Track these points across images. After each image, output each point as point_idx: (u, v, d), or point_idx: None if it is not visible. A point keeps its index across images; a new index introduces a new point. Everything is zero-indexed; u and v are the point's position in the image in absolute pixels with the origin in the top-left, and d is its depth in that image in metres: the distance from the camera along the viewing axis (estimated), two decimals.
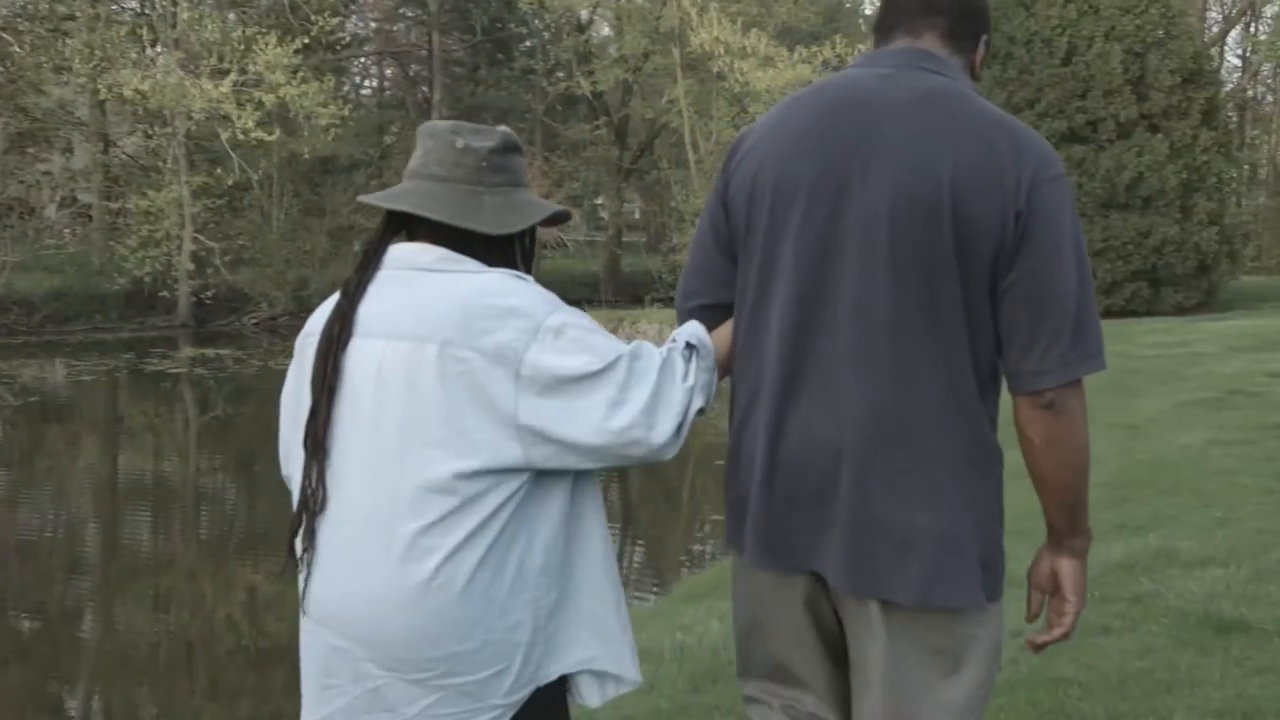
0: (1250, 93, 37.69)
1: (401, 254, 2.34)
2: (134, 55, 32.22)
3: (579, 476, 2.31)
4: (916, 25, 2.37)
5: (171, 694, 7.72)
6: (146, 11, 34.94)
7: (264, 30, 32.07)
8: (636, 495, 14.41)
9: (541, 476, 2.24)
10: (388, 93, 51.62)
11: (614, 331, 29.51)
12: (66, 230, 40.32)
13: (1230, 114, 28.96)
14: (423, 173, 2.38)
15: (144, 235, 32.02)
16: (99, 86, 31.59)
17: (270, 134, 30.55)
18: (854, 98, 2.30)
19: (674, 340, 2.37)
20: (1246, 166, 36.19)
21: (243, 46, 31.18)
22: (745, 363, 2.39)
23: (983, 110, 2.25)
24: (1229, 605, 5.17)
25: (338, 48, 38.48)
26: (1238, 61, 40.45)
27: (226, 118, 30.78)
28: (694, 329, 2.39)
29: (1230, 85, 34.30)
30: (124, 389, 22.22)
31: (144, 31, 32.58)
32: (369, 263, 2.35)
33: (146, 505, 13.55)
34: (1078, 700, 4.45)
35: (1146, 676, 4.58)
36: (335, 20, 34.47)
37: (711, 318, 2.46)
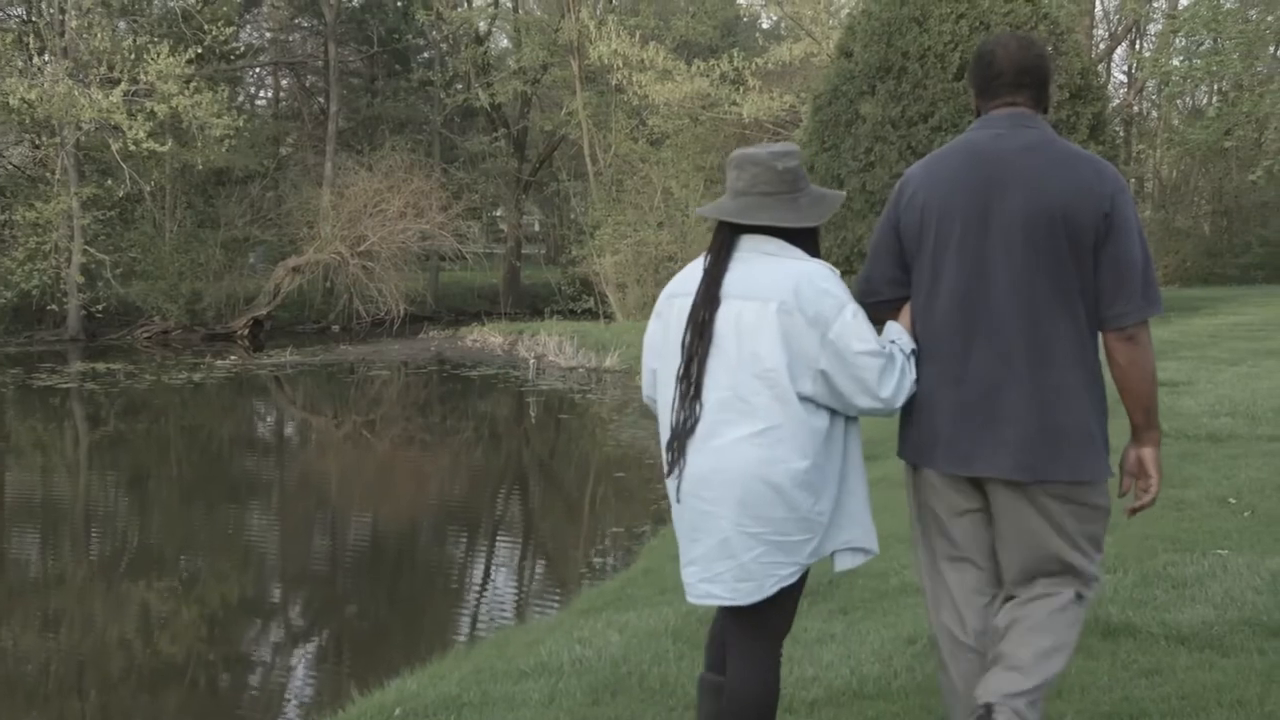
0: (1136, 108, 38.59)
1: (749, 242, 3.51)
2: (20, 63, 31.52)
3: (849, 420, 3.51)
4: (1013, 94, 3.55)
5: (62, 717, 7.54)
6: (33, 19, 34.17)
7: (156, 39, 31.57)
8: (538, 507, 14.38)
9: (836, 416, 3.45)
10: (283, 103, 50.99)
11: (513, 344, 29.50)
12: None
13: (1117, 129, 29.61)
14: (755, 191, 3.51)
15: (31, 248, 31.32)
16: None
17: (162, 145, 30.04)
18: (983, 151, 3.51)
19: (893, 340, 3.53)
20: (1133, 180, 37.04)
21: (134, 56, 30.66)
22: (923, 334, 3.56)
23: (1070, 150, 3.48)
24: (1116, 610, 5.29)
25: (232, 58, 37.93)
26: (1124, 77, 41.43)
27: (117, 128, 30.23)
28: (903, 335, 3.57)
29: (1117, 100, 35.10)
30: (11, 405, 21.68)
31: (30, 39, 31.89)
32: (724, 248, 3.52)
33: (34, 524, 13.23)
34: None
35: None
36: (229, 30, 34.00)
37: (887, 309, 3.65)
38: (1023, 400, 3.38)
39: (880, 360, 3.38)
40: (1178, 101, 35.18)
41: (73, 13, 31.24)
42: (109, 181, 31.74)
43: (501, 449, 18.64)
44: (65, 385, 23.39)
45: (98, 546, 12.21)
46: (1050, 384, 3.38)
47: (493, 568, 11.31)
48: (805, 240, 3.56)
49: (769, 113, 29.04)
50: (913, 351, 3.53)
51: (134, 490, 15.19)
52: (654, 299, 27.86)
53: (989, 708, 3.34)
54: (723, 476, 3.38)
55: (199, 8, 34.13)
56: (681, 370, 3.46)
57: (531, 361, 26.78)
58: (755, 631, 3.53)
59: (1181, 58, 25.78)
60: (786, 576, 3.42)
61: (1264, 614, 5.09)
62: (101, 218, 32.56)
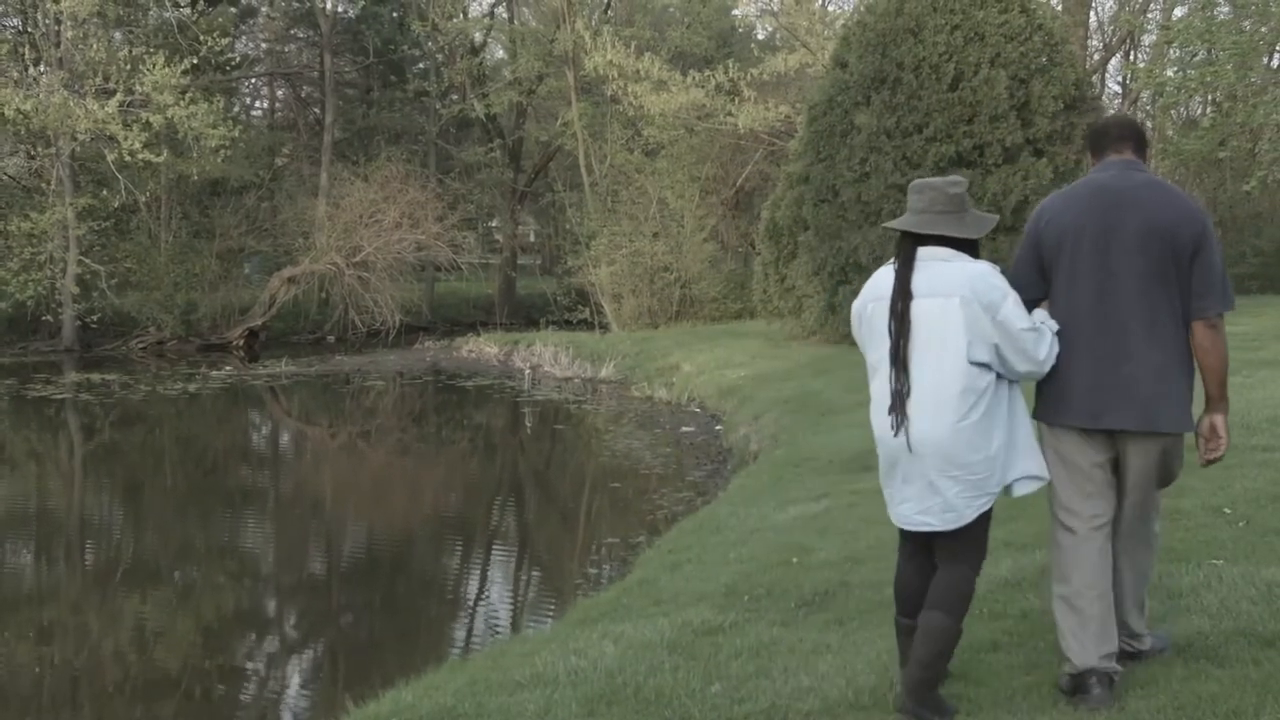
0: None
1: (927, 252, 4.58)
2: (15, 74, 31.50)
3: (1011, 380, 4.59)
4: (1120, 146, 4.82)
5: None
6: (29, 29, 34.18)
7: (151, 50, 31.54)
8: (533, 518, 14.37)
9: (1002, 378, 4.54)
10: (279, 114, 51.04)
11: (509, 355, 29.51)
12: None
13: None
14: (932, 210, 4.61)
15: (26, 258, 31.32)
16: None
17: (158, 155, 30.04)
18: (1106, 185, 4.71)
19: (1043, 321, 4.64)
20: None
21: (129, 66, 30.65)
22: (1062, 322, 4.67)
23: (1171, 186, 4.79)
24: None
25: (228, 68, 37.91)
26: (1118, 88, 41.44)
27: (113, 138, 30.22)
28: (1048, 317, 4.67)
29: (1111, 111, 35.16)
30: (5, 416, 21.65)
31: (26, 50, 31.86)
32: (909, 256, 4.59)
33: (29, 535, 13.21)
34: (967, 716, 4.52)
35: (1034, 691, 4.67)
36: (225, 40, 33.97)
37: (1029, 306, 4.65)
38: (1141, 371, 4.54)
39: (1034, 334, 4.53)
40: (1172, 112, 35.14)
41: (68, 23, 31.21)
42: (104, 192, 31.74)
43: (497, 459, 18.64)
44: (60, 396, 23.36)
45: (92, 557, 12.20)
46: (1159, 360, 4.54)
47: (488, 578, 11.31)
48: (969, 249, 4.63)
49: (764, 123, 29.06)
50: (1056, 330, 4.63)
51: (129, 501, 15.17)
52: (649, 309, 27.90)
53: (1089, 672, 4.51)
54: (929, 436, 4.48)
55: (195, 19, 34.17)
56: (891, 352, 4.55)
57: (527, 372, 26.78)
58: (960, 548, 4.59)
59: (1176, 69, 25.80)
60: (981, 505, 4.51)
61: (1259, 624, 5.09)
62: (97, 228, 32.53)
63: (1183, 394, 4.58)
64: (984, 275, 4.50)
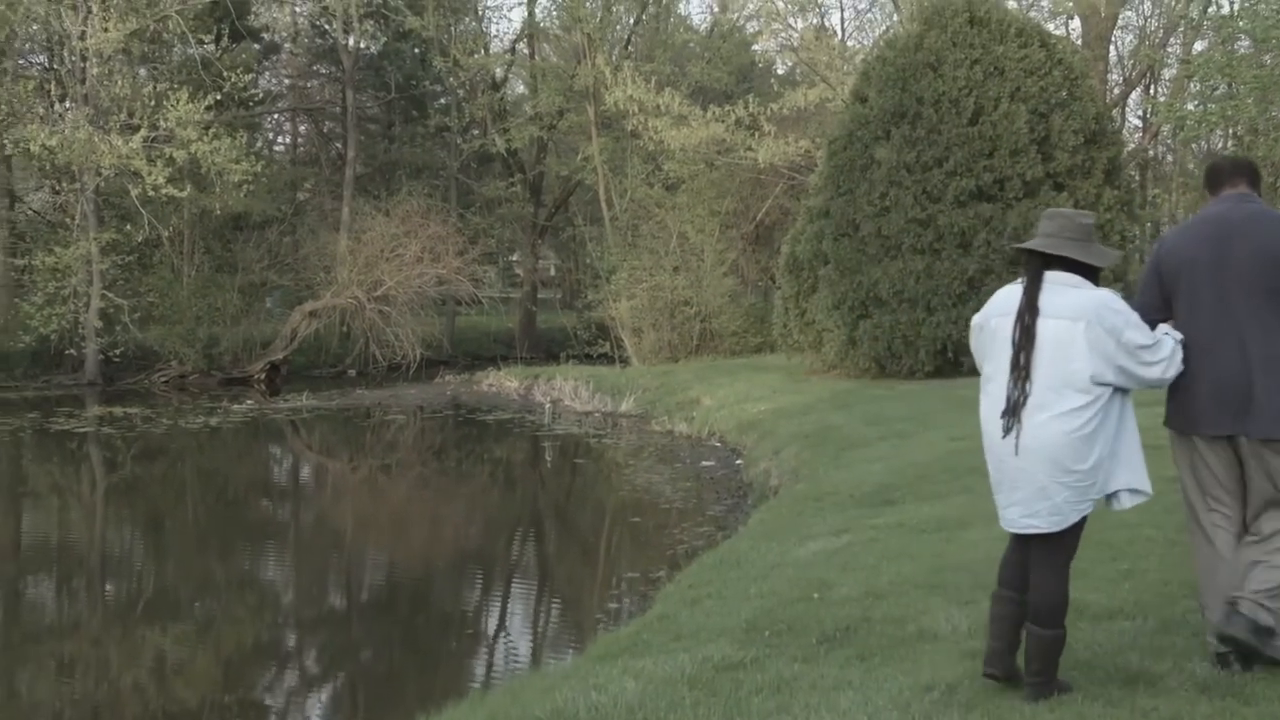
0: (1151, 153, 38.58)
1: (1054, 276, 4.90)
2: (41, 110, 31.79)
3: (1123, 394, 4.90)
4: (1235, 180, 5.29)
5: None
6: (55, 66, 34.50)
7: (175, 86, 31.79)
8: (553, 552, 14.35)
9: (1114, 393, 4.84)
10: (301, 149, 51.34)
11: (529, 389, 29.53)
12: None
13: (1132, 173, 29.60)
14: (1060, 235, 4.94)
15: (50, 292, 31.48)
16: (5, 141, 31.17)
17: (181, 190, 30.22)
18: (1221, 217, 5.19)
19: (1166, 332, 5.03)
20: (1149, 224, 36.97)
21: (153, 102, 30.89)
22: (1186, 340, 5.07)
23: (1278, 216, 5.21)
24: (1136, 658, 5.25)
25: (251, 104, 38.19)
26: (1139, 122, 41.44)
27: (136, 174, 30.42)
28: (1173, 330, 5.07)
29: (1132, 145, 35.14)
30: (29, 449, 21.75)
31: (52, 86, 32.17)
32: (1036, 275, 4.91)
33: (51, 568, 13.25)
34: None
35: None
36: (248, 76, 34.26)
37: (1151, 328, 5.01)
38: (1259, 383, 4.98)
39: (1156, 348, 4.92)
40: (1193, 146, 35.13)
41: (94, 60, 31.49)
42: (128, 227, 31.92)
43: (517, 493, 18.63)
44: (82, 429, 23.46)
45: (114, 590, 12.22)
46: (1276, 374, 4.98)
47: (508, 612, 11.29)
48: (1091, 277, 4.98)
49: (784, 158, 29.14)
50: (1180, 340, 5.04)
51: (150, 534, 15.20)
52: (669, 344, 27.90)
53: (1234, 600, 4.91)
54: (1039, 443, 4.80)
55: (218, 55, 34.41)
56: (1012, 360, 4.88)
57: (547, 406, 26.80)
58: (1057, 549, 4.92)
59: (1196, 102, 25.79)
60: (1083, 510, 4.86)
61: None
62: (120, 262, 32.73)
63: None
64: (1107, 301, 4.86)
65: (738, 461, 17.20)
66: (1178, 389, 5.14)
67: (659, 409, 22.90)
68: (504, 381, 31.48)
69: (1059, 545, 4.91)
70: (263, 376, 34.25)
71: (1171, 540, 7.23)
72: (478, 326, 44.47)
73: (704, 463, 17.74)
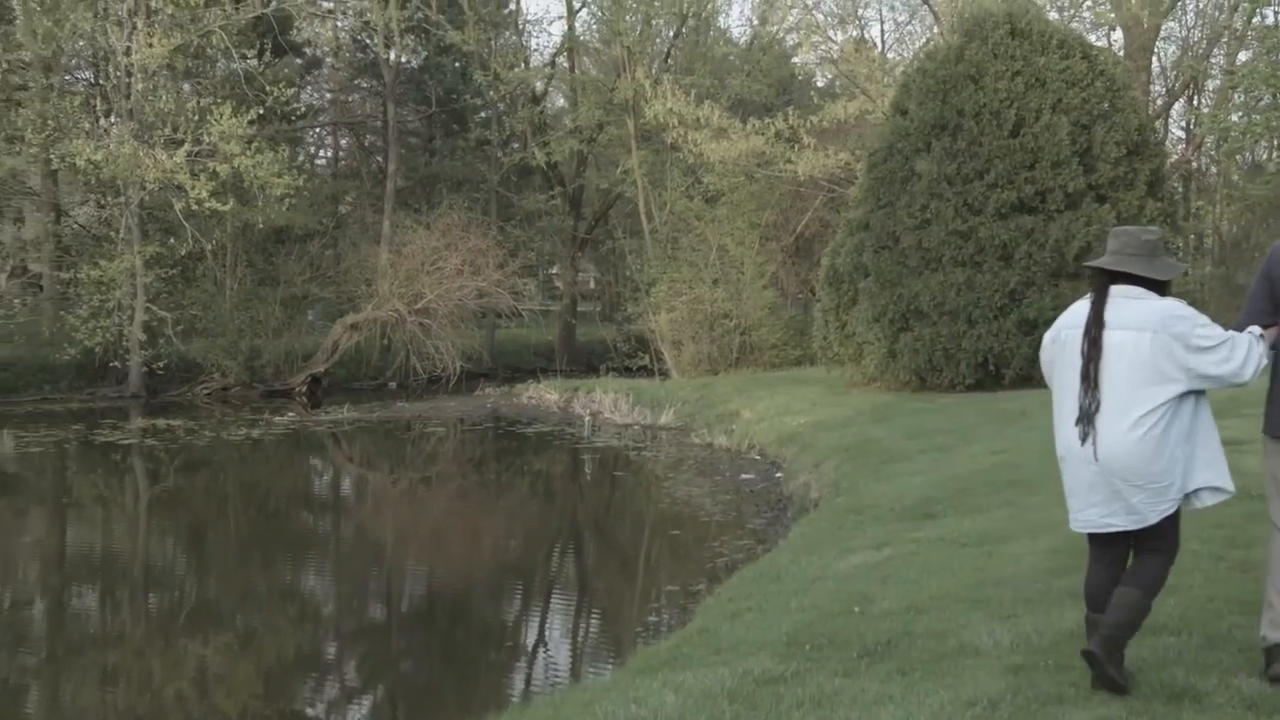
0: (1194, 164, 38.26)
1: (1120, 290, 5.12)
2: (87, 125, 32.17)
3: (1198, 395, 5.06)
4: None
5: None
6: (100, 82, 34.87)
7: (219, 100, 32.09)
8: (592, 564, 14.35)
9: (1185, 396, 4.99)
10: (342, 163, 51.69)
11: (569, 401, 29.57)
12: (16, 300, 40.01)
13: (1175, 185, 29.38)
14: (1126, 251, 5.15)
15: (95, 305, 31.81)
16: (51, 156, 31.50)
17: (224, 204, 30.50)
18: None
19: (1250, 331, 5.08)
20: (1193, 236, 36.71)
21: (197, 117, 31.18)
22: None
23: None
24: (1181, 674, 5.19)
25: (293, 118, 38.47)
26: (1182, 134, 41.12)
27: (180, 188, 30.71)
28: (1254, 328, 5.09)
29: (1175, 157, 34.87)
30: (73, 460, 21.96)
31: (97, 102, 32.54)
32: (1102, 291, 5.14)
33: (95, 579, 13.36)
34: None
35: None
36: (290, 91, 34.51)
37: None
38: None
39: (1227, 347, 4.97)
40: (1237, 157, 34.85)
41: (139, 75, 31.82)
42: (171, 240, 32.20)
43: (556, 506, 18.65)
44: (126, 441, 23.67)
45: (156, 601, 12.30)
46: None
47: (547, 625, 11.29)
48: (1158, 290, 5.15)
49: (824, 170, 29.08)
50: (1260, 335, 5.07)
51: (193, 545, 15.31)
52: (709, 356, 27.93)
53: None
54: (1113, 450, 5.01)
55: (261, 70, 34.70)
56: (1082, 371, 5.11)
57: (587, 418, 26.82)
58: (1155, 542, 5.14)
59: (1240, 113, 25.61)
60: (1164, 510, 5.02)
61: None
62: (164, 276, 33.02)
63: None
64: (1172, 309, 5.04)
65: (777, 474, 17.16)
66: (1276, 394, 5.24)
67: (698, 422, 22.88)
68: (544, 394, 31.52)
69: (1159, 539, 5.14)
70: (304, 389, 34.44)
71: (1218, 556, 7.16)
72: (517, 339, 44.57)
73: (744, 475, 17.70)
